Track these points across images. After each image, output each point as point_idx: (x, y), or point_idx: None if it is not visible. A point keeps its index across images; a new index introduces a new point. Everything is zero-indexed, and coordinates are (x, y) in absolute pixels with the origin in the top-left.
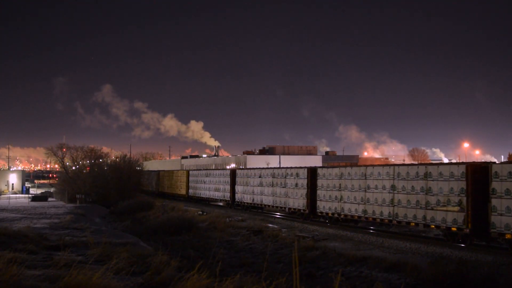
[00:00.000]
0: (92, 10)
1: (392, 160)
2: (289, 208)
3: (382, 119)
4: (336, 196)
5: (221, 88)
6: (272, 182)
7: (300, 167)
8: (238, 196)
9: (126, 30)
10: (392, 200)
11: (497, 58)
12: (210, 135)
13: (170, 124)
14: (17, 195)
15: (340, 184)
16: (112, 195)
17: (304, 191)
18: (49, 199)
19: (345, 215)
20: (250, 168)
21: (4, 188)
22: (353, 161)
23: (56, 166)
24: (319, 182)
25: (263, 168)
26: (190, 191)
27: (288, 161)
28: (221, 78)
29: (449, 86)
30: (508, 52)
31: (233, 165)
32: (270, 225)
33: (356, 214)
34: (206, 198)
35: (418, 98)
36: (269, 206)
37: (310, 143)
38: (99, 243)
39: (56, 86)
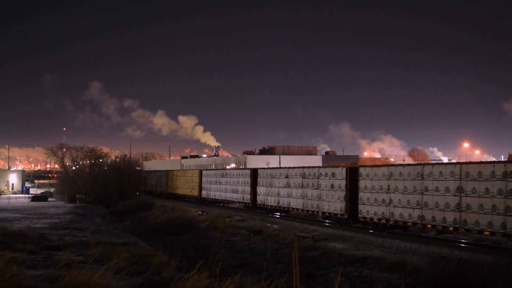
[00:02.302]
0: (89, 10)
1: (392, 160)
2: (323, 213)
3: (377, 119)
4: (383, 199)
5: (221, 88)
6: (302, 183)
7: (338, 166)
8: (260, 198)
9: (127, 29)
10: (458, 204)
11: (494, 57)
12: (203, 129)
13: (161, 121)
14: (17, 195)
15: (388, 186)
16: (112, 195)
17: (342, 193)
18: (49, 199)
19: (395, 221)
20: (275, 168)
21: (4, 188)
22: (353, 161)
23: (56, 166)
24: (362, 183)
25: (290, 168)
26: (203, 192)
27: (288, 161)
28: (219, 78)
29: (444, 85)
30: (507, 52)
31: (233, 165)
32: (270, 225)
33: (410, 220)
34: (222, 200)
35: (414, 98)
36: (298, 209)
37: (306, 141)
38: (99, 243)
39: (46, 85)
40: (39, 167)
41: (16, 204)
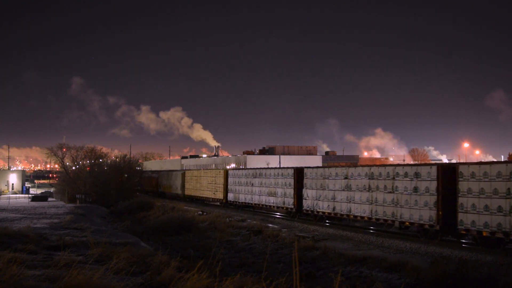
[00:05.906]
0: (90, 9)
1: (391, 160)
2: (402, 222)
3: (371, 118)
4: (499, 206)
5: (220, 88)
6: (369, 185)
7: (425, 164)
8: (307, 203)
9: (129, 28)
10: None
11: (494, 57)
12: (192, 121)
13: (150, 117)
14: (17, 195)
15: (508, 189)
16: (112, 195)
17: (432, 198)
18: (49, 199)
19: None
20: (328, 167)
21: (4, 188)
22: (353, 161)
23: (56, 166)
24: (464, 185)
25: (350, 167)
26: (230, 195)
27: (288, 161)
28: (219, 78)
29: (436, 84)
30: (507, 52)
31: (233, 165)
32: (270, 225)
33: None
34: (255, 204)
35: (407, 97)
36: (362, 217)
37: (300, 140)
38: (99, 243)
39: (30, 82)
40: (39, 167)
41: (16, 204)
